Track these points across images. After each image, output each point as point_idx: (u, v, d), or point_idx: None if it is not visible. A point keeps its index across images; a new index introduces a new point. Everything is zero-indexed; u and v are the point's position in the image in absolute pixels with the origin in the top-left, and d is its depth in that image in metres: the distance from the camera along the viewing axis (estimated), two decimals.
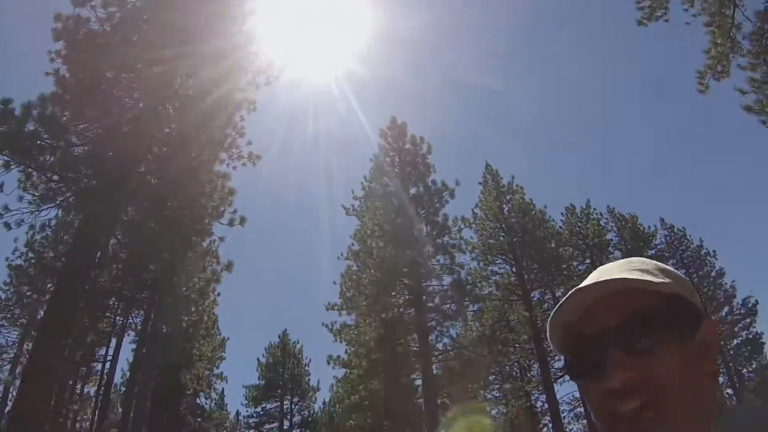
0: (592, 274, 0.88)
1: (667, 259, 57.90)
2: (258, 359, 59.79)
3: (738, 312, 56.51)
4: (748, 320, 55.65)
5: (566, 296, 0.82)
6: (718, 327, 0.83)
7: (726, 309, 52.53)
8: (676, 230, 60.30)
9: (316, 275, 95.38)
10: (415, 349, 34.03)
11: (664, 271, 0.86)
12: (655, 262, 0.87)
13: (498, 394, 47.46)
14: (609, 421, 0.77)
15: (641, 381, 0.75)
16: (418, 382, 35.37)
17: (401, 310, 33.86)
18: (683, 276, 0.86)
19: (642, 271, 0.82)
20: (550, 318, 0.85)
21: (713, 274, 57.75)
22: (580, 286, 0.81)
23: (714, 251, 57.96)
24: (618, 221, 57.52)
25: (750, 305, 54.94)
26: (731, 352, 49.21)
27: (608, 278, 0.80)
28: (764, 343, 57.91)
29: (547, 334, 0.87)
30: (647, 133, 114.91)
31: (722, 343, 43.34)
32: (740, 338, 54.97)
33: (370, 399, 32.42)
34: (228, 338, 35.65)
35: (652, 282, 0.79)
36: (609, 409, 0.77)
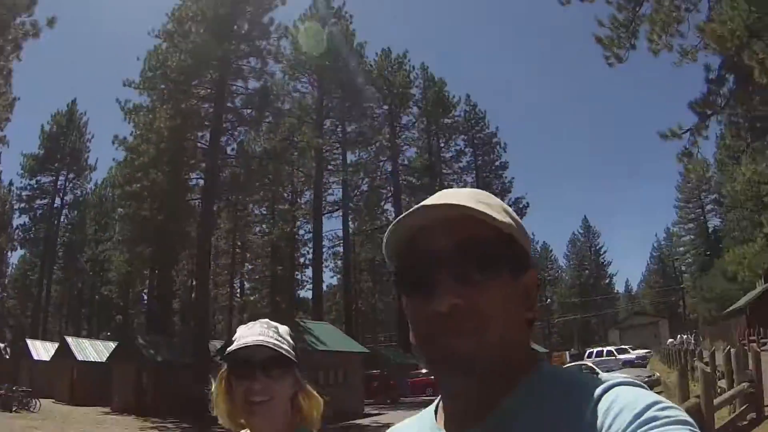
0: (435, 195, 0.93)
1: (459, 133, 64.76)
2: (42, 126, 59.82)
3: None
4: None
5: (411, 210, 0.86)
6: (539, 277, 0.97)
7: None
8: (477, 110, 67.14)
9: (119, 47, 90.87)
10: (203, 147, 35.32)
11: (506, 212, 0.91)
12: (499, 201, 0.94)
13: (266, 212, 51.08)
14: (426, 340, 0.86)
15: (466, 310, 0.82)
16: (199, 181, 37.18)
17: (200, 103, 34.62)
18: (521, 221, 0.94)
19: (487, 205, 0.88)
20: (390, 227, 0.89)
21: (497, 163, 66.03)
22: (427, 203, 0.87)
23: (506, 144, 65.93)
24: (427, 80, 62.58)
25: (521, 205, 64.46)
26: None
27: (455, 202, 0.85)
28: None
29: (384, 241, 0.91)
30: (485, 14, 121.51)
31: None
32: None
33: (150, 190, 34.04)
34: (18, 98, 34.17)
35: (495, 218, 0.84)
36: (430, 329, 0.85)
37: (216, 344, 33.19)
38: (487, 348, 0.82)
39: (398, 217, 0.87)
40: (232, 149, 38.13)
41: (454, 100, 64.51)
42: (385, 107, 56.83)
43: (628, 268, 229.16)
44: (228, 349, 1.71)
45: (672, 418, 0.70)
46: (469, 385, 0.85)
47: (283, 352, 1.69)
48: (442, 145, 65.04)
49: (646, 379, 23.18)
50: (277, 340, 1.71)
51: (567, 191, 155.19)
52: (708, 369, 9.52)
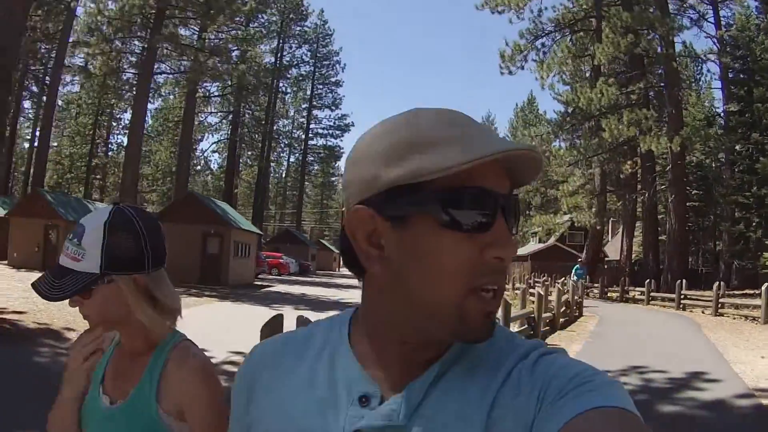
0: (494, 133, 0.89)
1: (305, 43, 76.93)
2: None
3: None
4: None
5: (523, 147, 0.80)
6: None
7: None
8: (327, 27, 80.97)
9: None
10: None
11: None
12: None
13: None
14: (468, 292, 0.80)
15: (508, 263, 0.83)
16: None
17: None
18: None
19: None
20: (481, 148, 0.79)
21: (333, 79, 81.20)
22: (531, 146, 0.81)
23: (345, 64, 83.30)
24: None
25: (347, 121, 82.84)
26: None
27: (538, 152, 0.83)
28: None
29: (458, 160, 0.78)
30: None
31: None
32: None
33: None
34: None
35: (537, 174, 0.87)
36: (479, 278, 0.80)
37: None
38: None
39: (496, 144, 0.80)
40: None
41: (309, 11, 75.89)
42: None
43: None
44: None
45: (603, 380, 0.77)
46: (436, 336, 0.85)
47: (76, 268, 1.50)
48: (287, 50, 76.17)
49: None
50: (75, 252, 1.52)
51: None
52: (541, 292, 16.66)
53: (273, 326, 4.78)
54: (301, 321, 4.83)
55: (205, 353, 1.65)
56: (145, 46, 41.12)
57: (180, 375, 1.54)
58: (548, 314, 17.33)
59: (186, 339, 1.66)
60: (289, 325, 3.96)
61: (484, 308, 0.81)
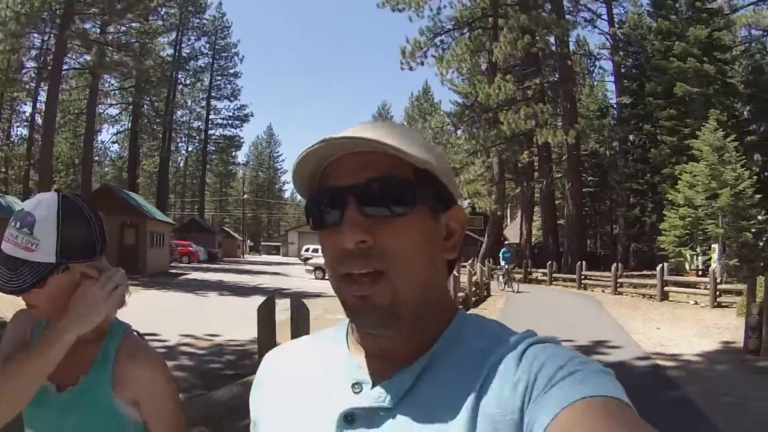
0: (354, 128, 0.93)
1: (203, 35, 76.63)
2: None
3: None
4: None
5: (316, 143, 0.86)
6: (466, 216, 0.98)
7: None
8: (225, 19, 79.49)
9: None
10: None
11: (425, 147, 0.92)
12: (420, 135, 0.96)
13: None
14: (339, 278, 0.88)
15: (375, 248, 0.85)
16: None
17: None
18: (443, 155, 0.97)
19: (404, 140, 0.88)
20: (296, 159, 0.89)
21: (231, 71, 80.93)
22: (332, 137, 0.87)
23: (243, 56, 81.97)
24: None
25: (245, 112, 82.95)
26: None
27: (368, 137, 0.85)
28: None
29: (292, 175, 0.92)
30: None
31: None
32: None
33: None
34: None
35: (408, 153, 0.85)
36: (341, 266, 0.87)
37: None
38: (402, 292, 0.86)
39: (304, 151, 0.87)
40: None
41: (208, 3, 74.77)
42: None
43: None
44: None
45: (593, 369, 0.77)
46: (388, 328, 0.88)
47: (30, 258, 1.46)
48: (186, 42, 75.10)
49: None
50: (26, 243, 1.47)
51: (262, 98, 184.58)
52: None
53: (268, 306, 5.26)
54: (296, 302, 5.07)
55: (158, 337, 2.08)
56: (46, 39, 40.91)
57: (134, 366, 1.55)
58: (461, 294, 19.10)
59: (132, 329, 1.66)
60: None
61: (352, 291, 0.87)
